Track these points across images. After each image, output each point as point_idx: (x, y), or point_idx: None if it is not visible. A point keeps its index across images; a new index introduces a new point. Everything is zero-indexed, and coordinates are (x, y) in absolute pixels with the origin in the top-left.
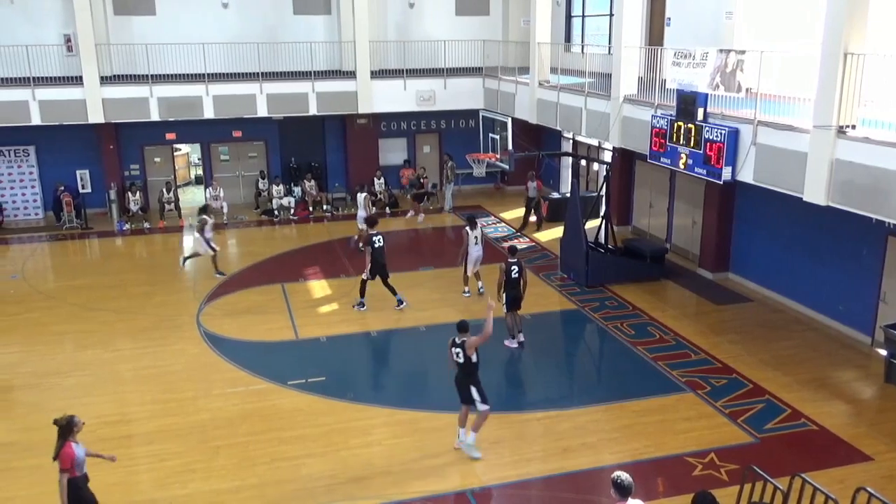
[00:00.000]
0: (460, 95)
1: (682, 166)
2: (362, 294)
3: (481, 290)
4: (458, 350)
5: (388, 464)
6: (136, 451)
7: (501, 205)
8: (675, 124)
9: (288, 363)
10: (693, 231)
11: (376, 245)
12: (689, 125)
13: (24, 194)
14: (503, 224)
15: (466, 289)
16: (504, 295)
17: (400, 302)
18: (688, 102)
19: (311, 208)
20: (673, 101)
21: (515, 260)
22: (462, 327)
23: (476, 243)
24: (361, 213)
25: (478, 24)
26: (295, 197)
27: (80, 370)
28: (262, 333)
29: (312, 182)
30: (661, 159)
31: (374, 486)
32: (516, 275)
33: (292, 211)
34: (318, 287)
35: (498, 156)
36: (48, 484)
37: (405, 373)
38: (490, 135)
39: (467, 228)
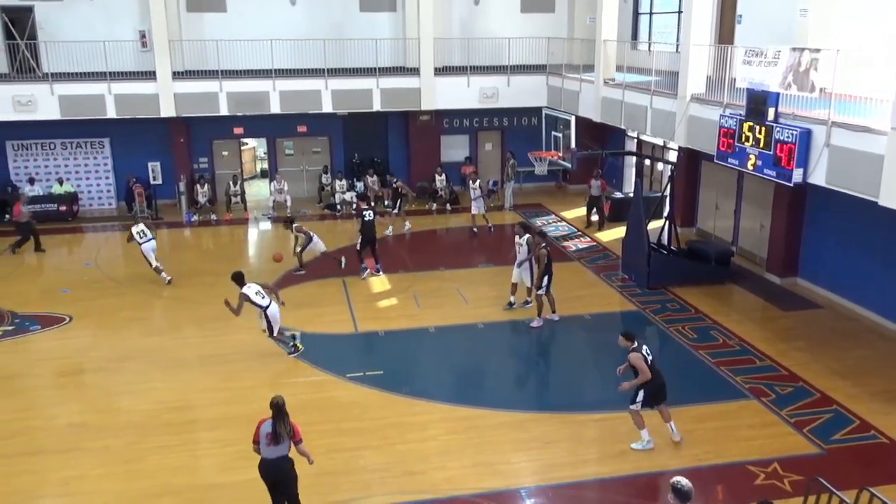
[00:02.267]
0: (523, 93)
1: (750, 167)
2: (361, 261)
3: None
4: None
5: (442, 460)
6: (200, 437)
7: (562, 203)
8: (745, 124)
9: (346, 356)
10: (761, 234)
11: (366, 219)
12: (760, 125)
13: (98, 185)
14: (564, 222)
15: (512, 299)
16: (546, 278)
17: (377, 271)
18: (758, 102)
19: (373, 203)
20: (742, 100)
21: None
22: (628, 336)
23: (522, 250)
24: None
25: (543, 22)
26: (357, 192)
27: (146, 356)
28: (321, 325)
29: (375, 177)
30: (729, 160)
31: (429, 482)
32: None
33: (354, 206)
34: (378, 282)
35: (560, 154)
36: (116, 465)
37: (462, 369)
38: (553, 133)
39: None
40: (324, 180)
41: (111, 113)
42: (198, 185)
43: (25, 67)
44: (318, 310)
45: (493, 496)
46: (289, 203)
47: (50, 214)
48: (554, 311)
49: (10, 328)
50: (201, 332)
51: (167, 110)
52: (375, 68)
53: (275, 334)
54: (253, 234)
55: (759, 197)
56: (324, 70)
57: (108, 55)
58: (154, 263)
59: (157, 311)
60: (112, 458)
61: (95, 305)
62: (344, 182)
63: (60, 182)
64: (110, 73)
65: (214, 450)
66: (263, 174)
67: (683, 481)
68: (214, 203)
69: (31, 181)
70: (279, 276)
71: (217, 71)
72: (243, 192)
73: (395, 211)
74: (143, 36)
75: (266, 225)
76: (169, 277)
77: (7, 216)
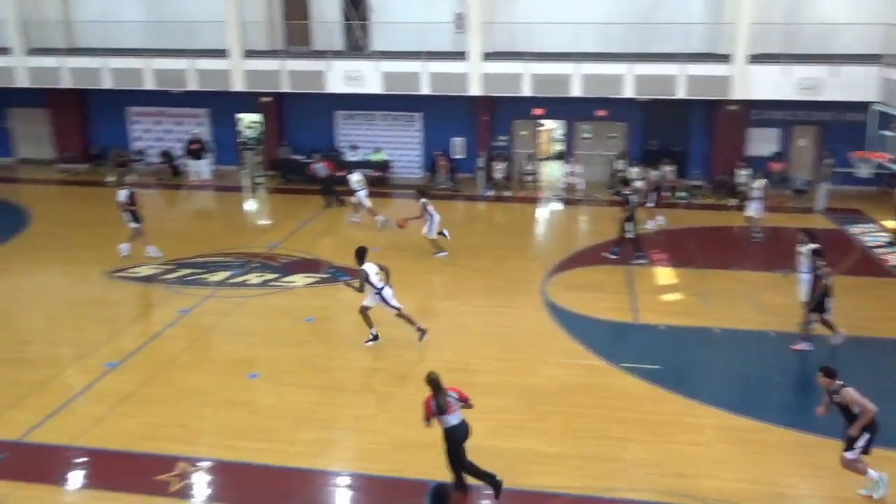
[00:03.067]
0: (849, 85)
1: None
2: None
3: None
4: None
5: (715, 468)
6: (475, 400)
7: (886, 211)
8: None
9: (623, 345)
10: None
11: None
12: None
13: (407, 155)
14: (885, 232)
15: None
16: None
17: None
18: None
19: (666, 193)
20: None
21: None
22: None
23: (804, 260)
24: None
25: (881, 4)
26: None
27: (435, 317)
28: (601, 311)
29: (672, 167)
30: None
31: (698, 488)
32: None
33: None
34: (664, 274)
35: (890, 156)
36: (399, 411)
37: (745, 377)
38: (881, 132)
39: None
40: (618, 166)
41: (425, 89)
42: (495, 162)
43: (357, 46)
44: (598, 294)
45: None
46: (581, 186)
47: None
48: (835, 332)
49: (327, 276)
50: (487, 301)
51: (475, 89)
52: (682, 54)
53: (393, 306)
54: (543, 212)
55: None
56: (628, 54)
57: (425, 35)
58: (368, 205)
59: (449, 277)
60: (396, 405)
61: (396, 265)
62: (638, 169)
63: (377, 150)
64: (427, 52)
65: (486, 414)
66: (557, 156)
67: None
68: (510, 180)
69: (354, 147)
70: (562, 258)
71: (523, 52)
72: (537, 172)
73: (651, 203)
74: (459, 18)
75: (557, 205)
76: (383, 218)
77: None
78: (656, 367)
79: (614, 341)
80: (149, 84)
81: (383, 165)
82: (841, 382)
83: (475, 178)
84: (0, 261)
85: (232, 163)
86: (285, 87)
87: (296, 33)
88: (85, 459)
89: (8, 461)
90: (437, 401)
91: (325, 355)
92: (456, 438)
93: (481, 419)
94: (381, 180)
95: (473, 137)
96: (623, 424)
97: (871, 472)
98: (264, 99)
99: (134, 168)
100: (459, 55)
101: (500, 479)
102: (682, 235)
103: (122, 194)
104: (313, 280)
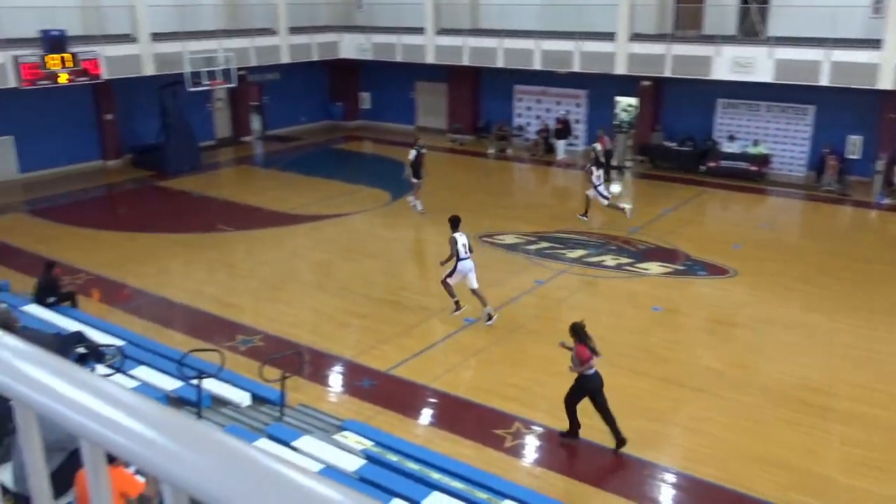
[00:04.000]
0: None
1: None
2: None
3: None
4: None
5: None
6: (831, 427)
7: None
8: None
9: None
10: None
11: None
12: None
13: (791, 151)
14: None
15: None
16: None
17: None
18: None
19: None
20: None
21: None
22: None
23: None
24: None
25: None
26: None
27: (798, 328)
28: None
29: None
30: None
31: None
32: None
33: None
34: None
35: None
36: (741, 419)
37: None
38: None
39: None
40: None
41: (824, 80)
42: None
43: (752, 31)
44: None
45: None
46: None
47: (739, 172)
48: None
49: (682, 268)
50: (857, 321)
51: (888, 81)
52: None
53: (451, 281)
54: None
55: None
56: None
57: (833, 20)
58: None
59: (819, 289)
60: (738, 412)
61: (761, 267)
62: None
63: (756, 143)
64: (833, 39)
65: (841, 445)
66: None
67: None
68: None
69: (731, 138)
70: None
71: None
72: None
73: None
74: (877, 1)
75: None
76: (626, 206)
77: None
78: None
79: None
80: (536, 64)
81: (762, 160)
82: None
83: (870, 183)
84: (394, 215)
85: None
86: (667, 72)
87: (687, 16)
88: (434, 400)
89: (375, 388)
90: (590, 346)
91: (667, 347)
92: (593, 387)
93: (833, 448)
94: (758, 175)
95: (874, 137)
96: None
97: None
98: (644, 83)
99: (512, 142)
100: (872, 43)
101: (626, 438)
102: None
103: (412, 153)
104: (667, 270)
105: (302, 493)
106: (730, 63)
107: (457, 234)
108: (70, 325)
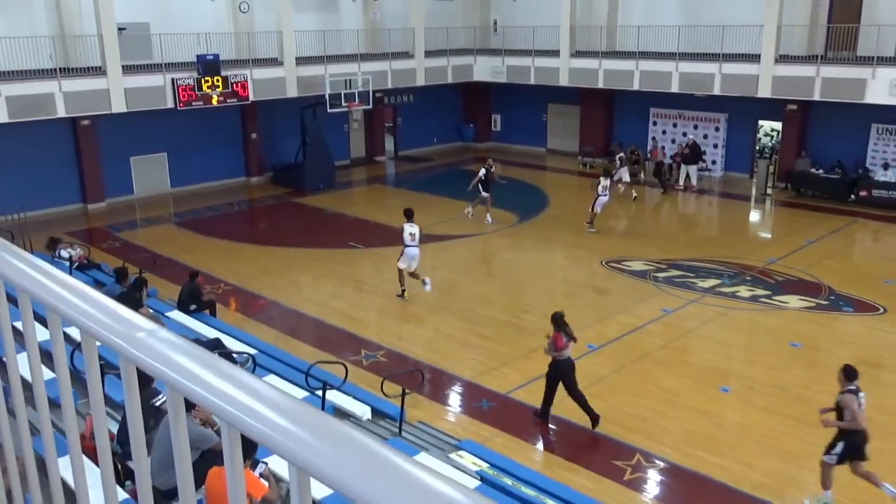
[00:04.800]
0: None
1: None
2: None
3: None
4: None
5: None
6: None
7: None
8: None
9: None
10: None
11: None
12: None
13: None
14: None
15: None
16: None
17: None
18: None
19: None
20: None
21: None
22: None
23: None
24: None
25: None
26: None
27: None
28: None
29: None
30: None
31: None
32: None
33: None
34: None
35: None
36: (886, 470)
37: None
38: None
39: None
40: None
41: None
42: None
43: None
44: None
45: None
46: None
47: (894, 203)
48: None
49: (825, 302)
50: None
51: None
52: None
53: (402, 267)
54: None
55: None
56: None
57: None
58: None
59: None
60: (882, 463)
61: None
62: None
63: None
64: None
65: None
66: None
67: None
68: None
69: (886, 166)
70: None
71: None
72: None
73: None
74: None
75: None
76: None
77: (853, 196)
78: None
79: None
80: (674, 87)
81: None
82: (853, 387)
83: None
84: (521, 236)
85: (744, 171)
86: (816, 95)
87: (841, 37)
88: (553, 427)
89: (493, 409)
90: (567, 332)
91: (804, 386)
92: (565, 370)
93: None
94: None
95: None
96: None
97: (827, 493)
98: (790, 106)
99: (646, 166)
100: None
101: (598, 415)
102: None
103: (482, 171)
104: (809, 304)
105: (433, 494)
106: (887, 86)
107: (406, 225)
108: (209, 332)
